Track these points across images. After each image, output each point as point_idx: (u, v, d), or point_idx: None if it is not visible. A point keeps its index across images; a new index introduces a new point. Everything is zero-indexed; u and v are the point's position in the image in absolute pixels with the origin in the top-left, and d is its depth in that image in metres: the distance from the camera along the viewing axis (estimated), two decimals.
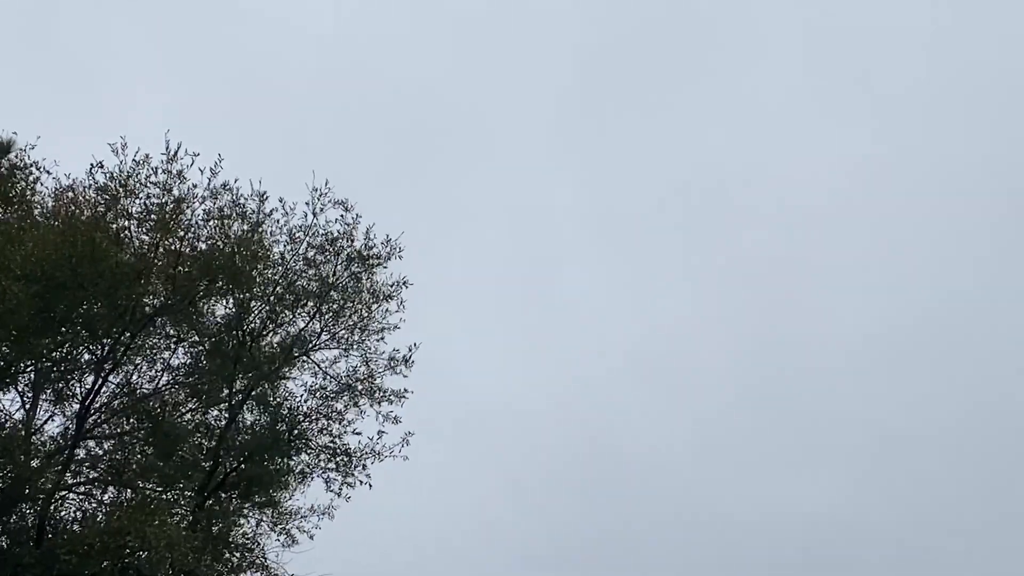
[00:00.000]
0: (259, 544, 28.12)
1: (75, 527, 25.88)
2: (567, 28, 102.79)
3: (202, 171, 26.29)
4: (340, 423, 28.90)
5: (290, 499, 28.87)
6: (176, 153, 26.00)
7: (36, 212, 26.14)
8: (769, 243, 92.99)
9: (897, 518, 66.46)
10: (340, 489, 28.93)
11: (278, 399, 29.04)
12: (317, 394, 28.76)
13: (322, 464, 29.04)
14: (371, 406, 28.80)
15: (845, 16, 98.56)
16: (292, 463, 28.86)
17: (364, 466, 28.80)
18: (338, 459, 28.92)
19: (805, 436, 74.80)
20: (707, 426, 75.75)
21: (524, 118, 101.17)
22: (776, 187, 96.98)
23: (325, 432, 28.89)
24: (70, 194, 25.81)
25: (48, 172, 26.79)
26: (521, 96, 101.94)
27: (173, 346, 27.76)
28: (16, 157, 26.21)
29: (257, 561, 27.71)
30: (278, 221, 27.71)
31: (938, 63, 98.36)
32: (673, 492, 68.51)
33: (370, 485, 28.82)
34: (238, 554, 27.63)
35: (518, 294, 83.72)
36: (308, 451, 28.90)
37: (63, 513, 26.61)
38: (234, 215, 26.91)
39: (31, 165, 26.62)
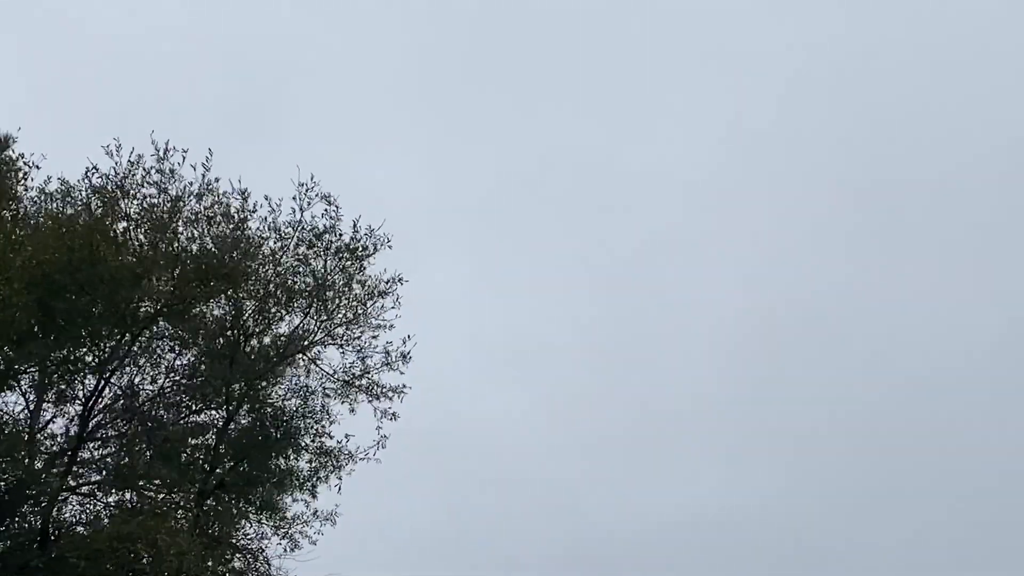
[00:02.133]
0: (263, 551, 28.26)
1: (80, 529, 25.90)
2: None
3: (194, 167, 26.39)
4: (320, 422, 29.13)
5: (292, 504, 29.06)
6: (167, 151, 26.08)
7: (30, 210, 26.07)
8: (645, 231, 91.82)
9: (798, 514, 66.78)
10: (313, 487, 29.16)
11: (269, 399, 29.12)
12: (300, 392, 28.99)
13: (303, 466, 29.27)
14: (369, 402, 29.04)
15: None
16: (284, 464, 28.98)
17: (339, 467, 29.08)
18: (321, 459, 29.23)
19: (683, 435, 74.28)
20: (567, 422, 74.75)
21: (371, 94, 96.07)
22: (647, 176, 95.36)
23: (309, 431, 29.13)
24: (68, 197, 25.79)
25: (37, 167, 26.72)
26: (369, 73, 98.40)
27: (177, 348, 27.71)
28: (4, 154, 26.12)
29: (261, 569, 27.80)
30: (265, 218, 27.70)
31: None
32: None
33: (339, 488, 29.20)
34: (240, 555, 27.73)
35: None
36: (294, 451, 29.07)
37: (67, 515, 26.66)
38: (218, 215, 26.93)
39: (18, 159, 26.51)
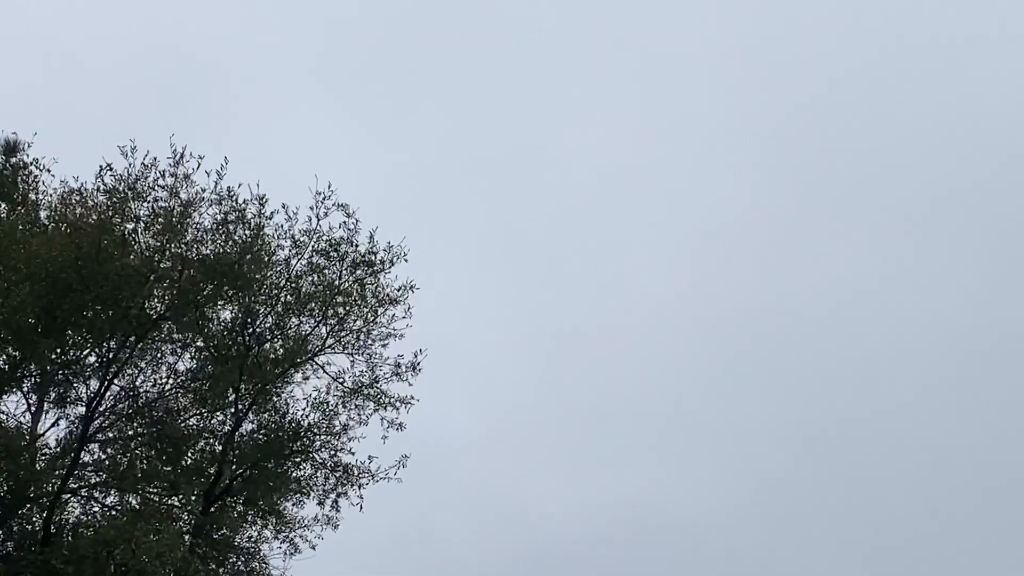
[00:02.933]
0: (259, 551, 27.99)
1: (80, 531, 25.54)
2: None
3: (208, 173, 25.88)
4: (339, 439, 28.75)
5: (294, 509, 28.75)
6: (182, 155, 25.59)
7: (42, 213, 25.69)
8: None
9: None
10: (335, 504, 28.82)
11: (281, 407, 28.77)
12: (320, 408, 28.47)
13: (320, 480, 28.89)
14: (376, 411, 28.62)
15: None
16: (293, 473, 28.63)
17: (360, 486, 28.70)
18: (337, 475, 28.81)
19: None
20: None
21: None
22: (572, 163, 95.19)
23: (326, 447, 28.76)
24: (77, 196, 25.30)
25: (48, 171, 26.38)
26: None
27: (179, 351, 27.29)
28: (18, 158, 25.73)
29: (258, 570, 27.54)
30: (281, 226, 27.31)
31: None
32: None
33: (361, 507, 28.75)
34: (242, 558, 27.49)
35: None
36: (309, 464, 28.71)
37: (68, 517, 26.28)
38: (236, 220, 26.46)
39: (31, 163, 26.19)
